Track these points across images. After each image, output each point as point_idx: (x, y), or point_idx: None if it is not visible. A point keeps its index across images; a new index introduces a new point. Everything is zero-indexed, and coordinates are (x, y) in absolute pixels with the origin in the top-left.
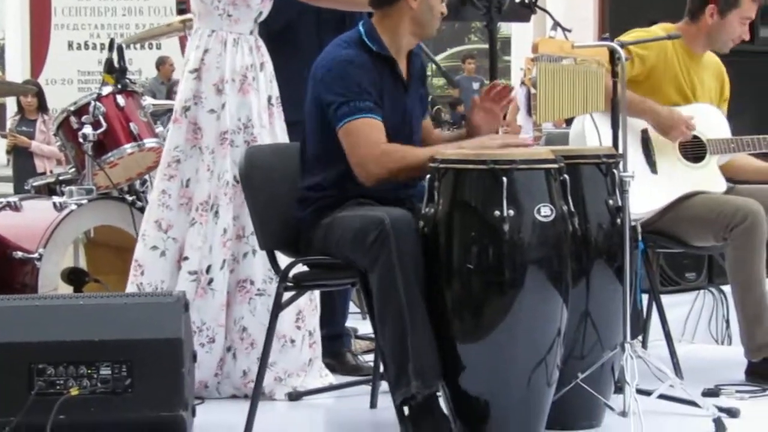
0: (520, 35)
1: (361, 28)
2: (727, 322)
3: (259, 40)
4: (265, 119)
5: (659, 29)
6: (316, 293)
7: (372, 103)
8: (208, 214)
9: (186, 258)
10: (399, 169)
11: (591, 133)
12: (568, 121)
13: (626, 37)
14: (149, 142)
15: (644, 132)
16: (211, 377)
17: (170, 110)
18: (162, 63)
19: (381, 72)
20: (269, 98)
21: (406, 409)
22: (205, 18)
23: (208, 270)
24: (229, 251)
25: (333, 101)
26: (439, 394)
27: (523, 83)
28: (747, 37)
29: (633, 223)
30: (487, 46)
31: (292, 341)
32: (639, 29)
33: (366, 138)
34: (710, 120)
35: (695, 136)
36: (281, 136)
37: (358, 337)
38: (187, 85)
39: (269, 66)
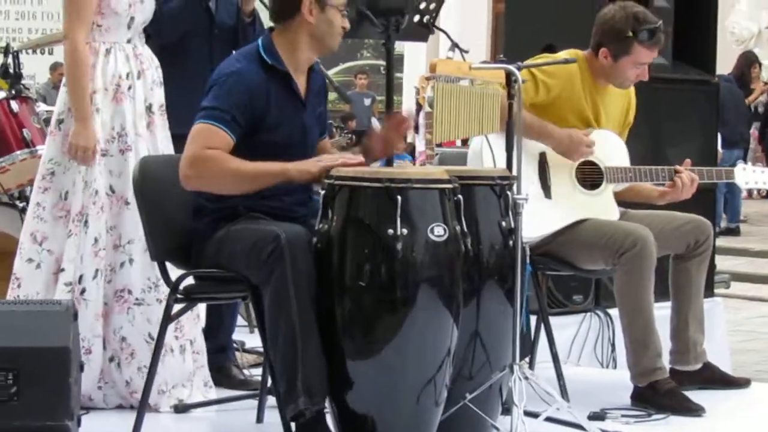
0: (413, 53)
1: (260, 41)
2: (613, 345)
3: (140, 48)
4: (141, 127)
5: (566, 55)
6: (201, 305)
7: (230, 116)
8: (80, 225)
9: (62, 270)
10: (213, 177)
11: (486, 155)
12: (464, 141)
13: (531, 61)
14: (42, 149)
15: (542, 155)
16: (95, 389)
17: None
18: (54, 69)
19: (274, 87)
20: (149, 106)
21: (293, 426)
22: None
23: (80, 280)
24: (103, 261)
25: (203, 104)
26: (327, 411)
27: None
28: (645, 78)
29: (523, 245)
30: (379, 62)
31: (171, 350)
32: (547, 55)
33: (199, 140)
34: (610, 147)
35: (594, 163)
36: (164, 144)
37: (245, 351)
38: (61, 97)
39: (151, 73)
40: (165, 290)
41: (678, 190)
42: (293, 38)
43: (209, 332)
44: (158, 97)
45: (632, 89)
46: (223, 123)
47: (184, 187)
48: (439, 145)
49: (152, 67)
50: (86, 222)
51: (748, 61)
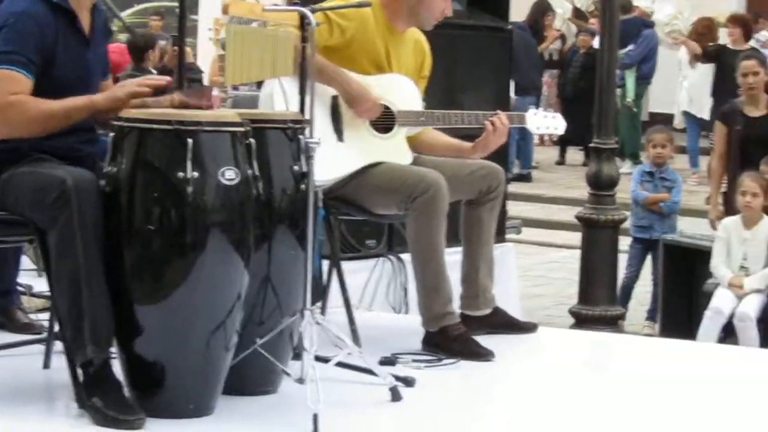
0: None
1: None
2: (405, 290)
3: None
4: None
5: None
6: None
7: (25, 58)
8: None
9: None
10: (22, 122)
11: (279, 98)
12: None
13: (325, 4)
14: None
15: (335, 99)
16: None
17: None
18: None
19: (59, 25)
20: None
21: (80, 372)
22: None
23: None
24: None
25: None
26: (115, 357)
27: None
28: (449, 12)
29: (315, 189)
30: (173, 3)
31: None
32: None
33: (0, 87)
34: (403, 91)
35: (386, 107)
36: None
37: (32, 295)
38: None
39: None
40: None
41: (489, 134)
42: None
43: None
44: None
45: (426, 45)
46: (21, 66)
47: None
48: (236, 89)
49: None
50: None
51: (541, 9)
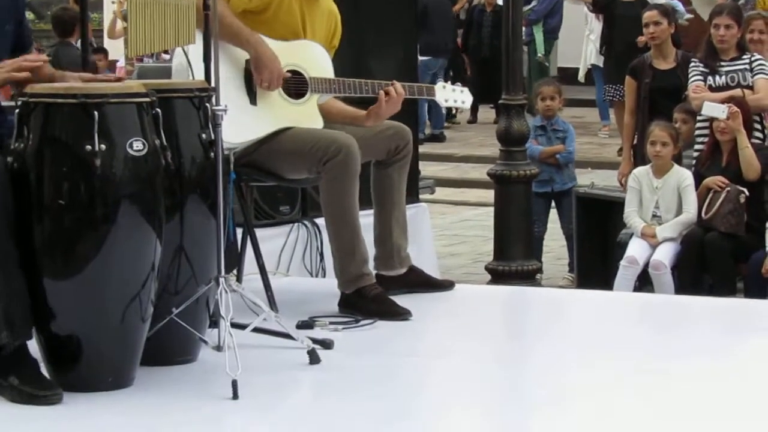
0: None
1: None
2: (321, 254)
3: None
4: None
5: None
6: None
7: None
8: None
9: None
10: None
11: (186, 67)
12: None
13: None
14: None
15: (248, 63)
16: None
17: None
18: None
19: None
20: None
21: None
22: None
23: None
24: None
25: None
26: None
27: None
28: None
29: (226, 152)
30: None
31: None
32: None
33: None
34: (316, 59)
35: (299, 73)
36: None
37: None
38: None
39: None
40: None
41: (381, 103)
42: None
43: None
44: None
45: (338, 16)
46: None
47: None
48: (140, 60)
49: None
50: None
51: None
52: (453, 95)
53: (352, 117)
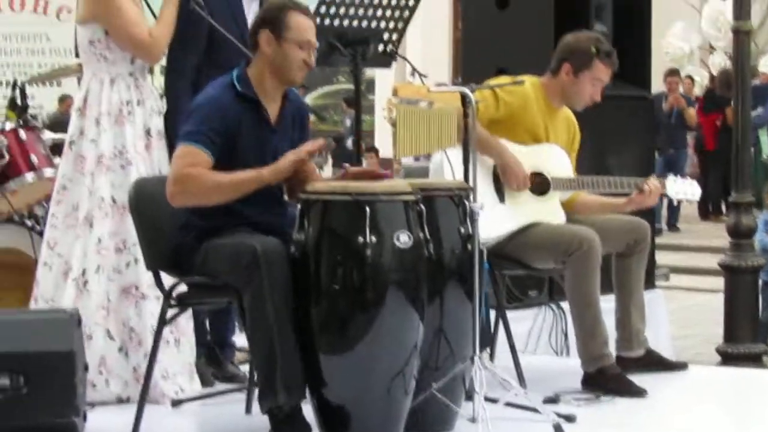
0: (383, 76)
1: (234, 71)
2: (566, 335)
3: (140, 80)
4: (140, 147)
5: (526, 80)
6: None
7: (207, 139)
8: (86, 227)
9: (70, 268)
10: (196, 192)
11: (447, 168)
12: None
13: (491, 82)
14: (47, 172)
15: (496, 166)
16: (96, 374)
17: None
18: (63, 101)
19: (245, 113)
20: (148, 130)
21: (271, 416)
22: (87, 63)
23: (83, 273)
24: (105, 259)
25: (183, 129)
26: (307, 403)
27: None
28: (598, 99)
29: (481, 248)
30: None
31: (167, 342)
32: (505, 77)
33: (180, 160)
34: (557, 160)
35: (542, 174)
36: (160, 164)
37: (237, 350)
38: (74, 123)
39: (150, 102)
40: None
41: (645, 196)
42: (260, 69)
43: (211, 330)
44: (156, 123)
45: (575, 123)
46: (202, 144)
47: (171, 203)
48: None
49: (152, 97)
50: (91, 224)
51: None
52: (683, 188)
53: (612, 207)
